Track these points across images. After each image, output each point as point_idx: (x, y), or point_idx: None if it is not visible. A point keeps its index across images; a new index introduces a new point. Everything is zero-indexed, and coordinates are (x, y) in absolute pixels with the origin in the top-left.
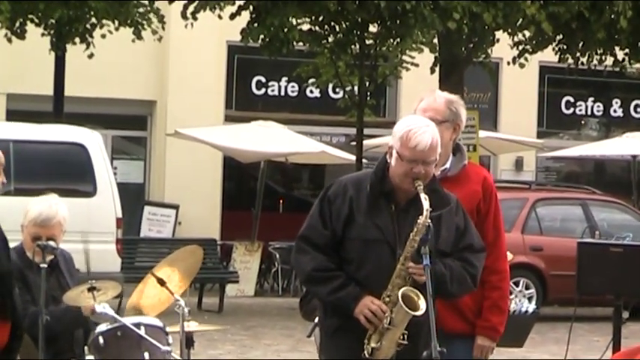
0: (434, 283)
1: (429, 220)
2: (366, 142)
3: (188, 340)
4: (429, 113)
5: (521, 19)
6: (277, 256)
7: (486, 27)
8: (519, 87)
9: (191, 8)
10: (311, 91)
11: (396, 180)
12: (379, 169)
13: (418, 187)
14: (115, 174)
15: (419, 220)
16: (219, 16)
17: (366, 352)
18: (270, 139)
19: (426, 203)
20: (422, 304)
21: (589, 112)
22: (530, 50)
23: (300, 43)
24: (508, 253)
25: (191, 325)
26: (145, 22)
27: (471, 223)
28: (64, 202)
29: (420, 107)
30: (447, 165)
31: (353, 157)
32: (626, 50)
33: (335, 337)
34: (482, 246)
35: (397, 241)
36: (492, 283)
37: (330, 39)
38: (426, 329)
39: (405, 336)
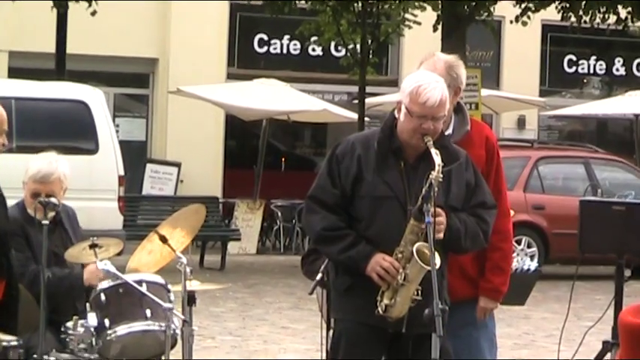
0: (448, 237)
1: (442, 176)
2: (369, 101)
3: (190, 298)
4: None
5: None
6: (279, 214)
7: None
8: (522, 45)
9: None
10: (313, 49)
11: (405, 136)
12: (387, 127)
13: (428, 142)
14: (117, 132)
15: (431, 175)
16: None
17: (379, 309)
18: (272, 97)
19: (437, 158)
20: (436, 259)
21: (591, 71)
22: (533, 9)
23: (303, 1)
24: (510, 210)
25: (193, 285)
26: None
27: (481, 178)
28: (66, 159)
29: None
30: (450, 130)
31: (355, 116)
32: (629, 8)
33: (346, 296)
34: (494, 203)
35: (407, 197)
36: (494, 244)
37: None
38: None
39: (419, 292)
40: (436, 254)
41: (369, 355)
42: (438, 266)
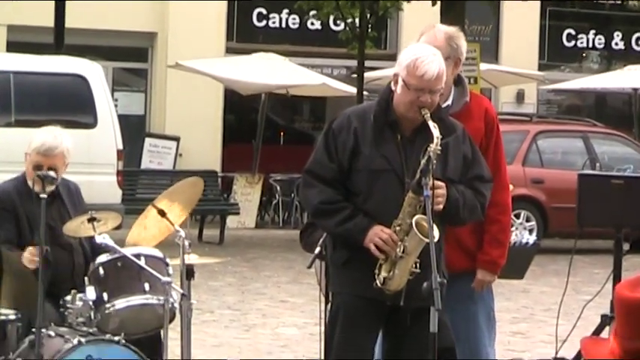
0: (447, 208)
1: (440, 149)
2: (367, 75)
3: (188, 272)
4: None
5: None
6: (278, 188)
7: None
8: (521, 19)
9: None
10: (312, 23)
11: (402, 109)
12: (383, 100)
13: (425, 115)
14: (115, 106)
15: (430, 148)
16: None
17: (377, 281)
18: (271, 71)
19: (435, 131)
20: (435, 232)
21: (590, 45)
22: None
23: None
24: (509, 185)
25: (191, 258)
26: None
27: (478, 152)
28: (68, 134)
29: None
30: (450, 101)
31: (354, 90)
32: None
33: (344, 269)
34: (491, 176)
35: (405, 170)
36: (492, 216)
37: None
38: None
39: (417, 264)
40: (435, 227)
41: (367, 328)
42: (436, 239)
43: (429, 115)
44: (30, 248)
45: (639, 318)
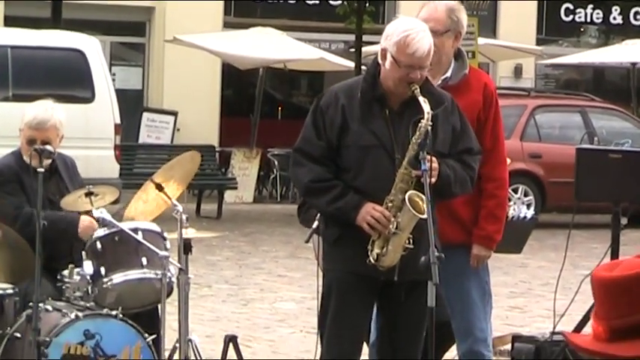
0: (439, 183)
1: (431, 123)
2: (365, 49)
3: (186, 246)
4: (431, 24)
5: None
6: (276, 162)
7: None
8: None
9: None
10: None
11: (390, 84)
12: (370, 75)
13: (415, 90)
14: (113, 80)
15: (421, 124)
16: None
17: (371, 258)
18: (268, 45)
19: (426, 106)
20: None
21: (588, 20)
22: None
23: None
24: (506, 159)
25: (189, 233)
26: None
27: (467, 123)
28: (62, 108)
29: (421, 17)
30: (449, 74)
31: (352, 64)
32: None
33: (336, 247)
34: (480, 149)
35: (394, 145)
36: (489, 191)
37: None
38: (427, 234)
39: (411, 240)
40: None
41: (360, 303)
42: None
43: (418, 90)
44: (85, 218)
45: (622, 295)
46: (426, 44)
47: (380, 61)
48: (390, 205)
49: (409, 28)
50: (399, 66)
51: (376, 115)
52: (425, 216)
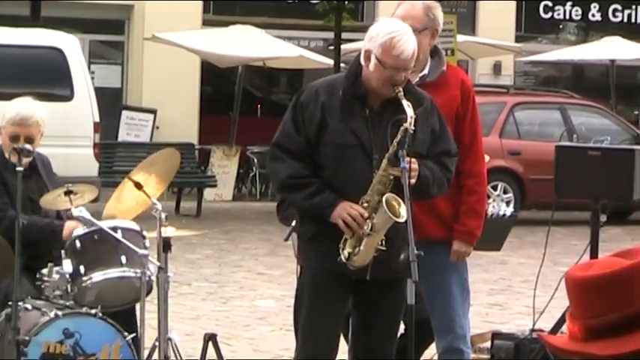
0: (418, 183)
1: (413, 128)
2: (344, 47)
3: (165, 244)
4: (408, 22)
5: None
6: (255, 160)
7: None
8: None
9: None
10: None
11: (374, 85)
12: (351, 73)
13: (398, 93)
14: (92, 78)
15: (403, 126)
16: None
17: (342, 256)
18: (248, 43)
19: (409, 110)
20: (403, 211)
21: (567, 17)
22: None
23: None
24: (485, 156)
25: (168, 231)
26: None
27: (446, 125)
28: (42, 105)
29: (398, 14)
30: (426, 71)
31: (331, 62)
32: None
33: (311, 244)
34: (457, 151)
35: (372, 145)
36: (469, 187)
37: None
38: (401, 235)
39: (383, 242)
40: (404, 206)
41: (334, 300)
42: (405, 219)
43: (402, 93)
44: (71, 223)
45: (597, 295)
46: (411, 46)
47: (363, 62)
48: (365, 205)
49: (394, 30)
50: (384, 67)
51: (356, 114)
52: (401, 220)
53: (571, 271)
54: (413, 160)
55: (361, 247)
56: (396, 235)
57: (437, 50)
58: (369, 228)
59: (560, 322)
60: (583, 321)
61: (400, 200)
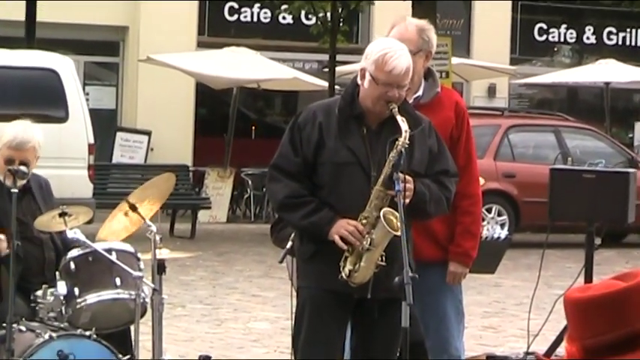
0: (414, 201)
1: (408, 142)
2: (339, 69)
3: (160, 266)
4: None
5: None
6: (249, 182)
7: None
8: (492, 13)
9: None
10: (284, 17)
11: (368, 103)
12: (348, 93)
13: (393, 109)
14: (87, 100)
15: (398, 142)
16: None
17: (343, 274)
18: (242, 65)
19: (404, 125)
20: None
21: (562, 39)
22: None
23: None
24: (480, 178)
25: (163, 253)
26: None
27: (444, 146)
28: (39, 128)
29: (392, 36)
30: (420, 92)
31: (325, 84)
32: None
33: (311, 263)
34: (456, 171)
35: (370, 163)
36: (464, 208)
37: None
38: (401, 252)
39: (383, 257)
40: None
41: (334, 321)
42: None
43: (396, 109)
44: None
45: (595, 315)
46: (404, 62)
47: (359, 81)
48: (364, 221)
49: (387, 47)
50: (377, 84)
51: (353, 133)
52: (399, 233)
53: (569, 293)
54: (408, 178)
55: (361, 264)
56: (394, 252)
57: (431, 72)
58: (368, 243)
59: (556, 344)
60: (581, 342)
61: (398, 214)
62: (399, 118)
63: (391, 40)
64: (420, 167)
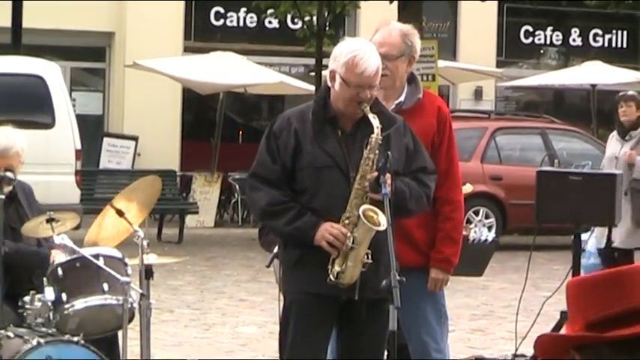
0: (394, 199)
1: (381, 138)
2: (325, 73)
3: (147, 272)
4: (385, 48)
5: None
6: (237, 186)
7: None
8: (478, 16)
9: None
10: (270, 22)
11: (340, 105)
12: (320, 97)
13: (364, 108)
14: (73, 106)
15: (371, 138)
16: None
17: (331, 276)
18: (228, 69)
19: (375, 121)
20: (382, 220)
21: (548, 42)
22: None
23: None
24: (468, 185)
25: (150, 258)
26: None
27: (420, 143)
28: (22, 133)
29: (375, 41)
30: (402, 98)
31: (312, 88)
32: None
33: (296, 269)
34: (434, 168)
35: (348, 164)
36: (445, 214)
37: None
38: (385, 251)
39: (369, 255)
40: (382, 215)
41: (320, 325)
42: (385, 227)
43: (368, 108)
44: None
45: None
46: (374, 63)
47: (329, 84)
48: (347, 222)
49: (357, 48)
50: (348, 86)
51: (329, 136)
52: (381, 228)
53: (572, 279)
54: (387, 175)
55: (348, 263)
56: (379, 251)
57: (413, 77)
58: (352, 242)
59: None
60: (585, 319)
61: (377, 210)
62: (370, 116)
63: (359, 41)
64: (397, 166)
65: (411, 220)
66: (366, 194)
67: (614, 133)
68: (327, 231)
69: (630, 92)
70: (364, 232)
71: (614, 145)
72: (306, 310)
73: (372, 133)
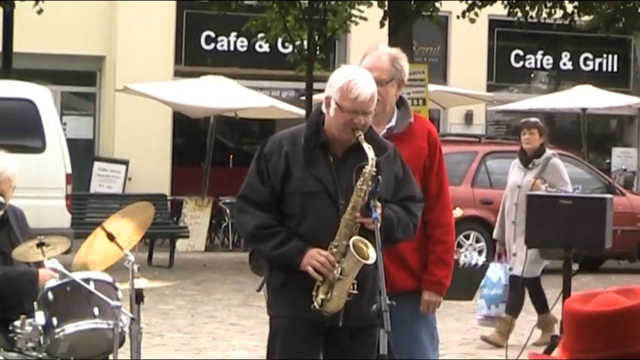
0: (382, 226)
1: (375, 169)
2: (316, 97)
3: (138, 296)
4: (375, 73)
5: None
6: (227, 211)
7: None
8: (469, 40)
9: None
10: (260, 46)
11: (334, 131)
12: (313, 122)
13: (359, 137)
14: (64, 130)
15: (365, 169)
16: None
17: (315, 303)
18: (219, 94)
19: (370, 152)
20: (371, 254)
21: (538, 66)
22: (480, 4)
23: None
24: (458, 209)
25: (141, 282)
26: None
27: (409, 171)
28: (14, 158)
29: (364, 66)
30: (393, 122)
31: (303, 112)
32: (575, 3)
33: (282, 293)
34: (422, 196)
35: (338, 191)
36: (437, 237)
37: None
38: (371, 280)
39: (355, 286)
40: (372, 248)
41: (307, 349)
42: (373, 260)
43: (362, 136)
44: (45, 271)
45: (591, 331)
46: (368, 89)
47: (324, 110)
48: (334, 250)
49: (352, 74)
50: (342, 111)
51: (320, 162)
52: (369, 262)
53: (570, 301)
54: (377, 203)
55: (333, 293)
56: (365, 280)
57: (403, 101)
58: (339, 272)
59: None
60: (571, 353)
61: (367, 242)
62: (365, 145)
63: (355, 68)
64: (386, 193)
65: (405, 245)
66: (356, 225)
67: (517, 160)
68: (314, 257)
69: (533, 119)
70: (352, 264)
71: (516, 173)
72: (291, 335)
73: (365, 161)
